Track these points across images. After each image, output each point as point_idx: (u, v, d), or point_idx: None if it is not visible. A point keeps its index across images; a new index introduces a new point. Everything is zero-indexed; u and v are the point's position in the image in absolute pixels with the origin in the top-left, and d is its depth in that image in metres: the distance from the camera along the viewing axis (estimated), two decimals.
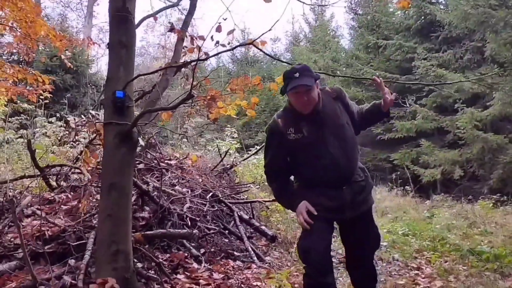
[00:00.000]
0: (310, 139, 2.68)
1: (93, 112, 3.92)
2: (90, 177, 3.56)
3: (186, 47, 3.18)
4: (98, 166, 3.70)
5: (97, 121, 3.16)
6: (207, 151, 10.00)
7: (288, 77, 2.61)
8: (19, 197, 4.29)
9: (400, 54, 15.39)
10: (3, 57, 15.42)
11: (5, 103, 9.71)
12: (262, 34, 2.96)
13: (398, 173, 14.44)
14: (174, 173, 5.40)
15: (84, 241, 3.43)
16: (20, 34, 6.95)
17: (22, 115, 11.46)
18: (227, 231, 5.16)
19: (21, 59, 15.40)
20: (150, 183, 4.34)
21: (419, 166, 13.39)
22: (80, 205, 3.99)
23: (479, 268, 4.88)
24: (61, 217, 3.98)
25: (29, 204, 4.08)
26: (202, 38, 2.83)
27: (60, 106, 14.23)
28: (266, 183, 8.35)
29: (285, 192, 2.82)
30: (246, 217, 5.57)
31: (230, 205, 5.53)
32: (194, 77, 2.83)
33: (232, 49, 2.76)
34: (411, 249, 6.15)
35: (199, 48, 2.75)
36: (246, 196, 6.73)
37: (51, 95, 11.49)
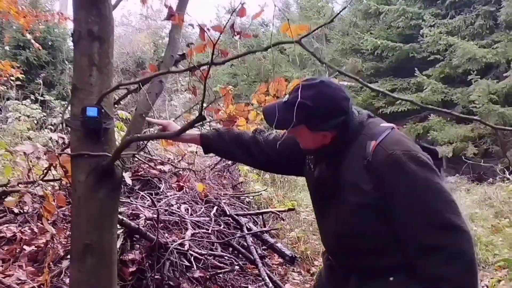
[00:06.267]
0: (316, 186, 1.74)
1: (55, 136, 2.83)
2: (54, 232, 2.54)
3: (192, 44, 2.10)
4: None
5: (61, 150, 2.12)
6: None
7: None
8: None
9: (403, 20, 14.23)
10: None
11: None
12: None
13: None
14: (169, 183, 4.40)
15: None
16: None
17: None
18: (232, 250, 4.22)
19: None
20: (140, 215, 3.31)
21: (426, 142, 12.50)
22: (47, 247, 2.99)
23: None
24: (23, 265, 2.99)
25: None
26: (218, 29, 1.77)
27: (35, 86, 12.99)
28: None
29: None
30: (256, 229, 4.64)
31: (238, 218, 4.58)
32: (206, 87, 1.79)
33: (264, 49, 1.72)
34: None
35: (214, 45, 1.70)
36: (251, 198, 5.78)
37: (22, 75, 10.34)
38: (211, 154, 2.80)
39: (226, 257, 3.94)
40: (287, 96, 1.58)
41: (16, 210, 3.55)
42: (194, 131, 2.05)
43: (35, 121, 10.49)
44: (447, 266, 1.41)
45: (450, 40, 11.72)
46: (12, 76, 7.72)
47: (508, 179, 9.61)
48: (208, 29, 1.78)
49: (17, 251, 3.09)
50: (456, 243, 1.42)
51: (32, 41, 6.35)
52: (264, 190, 5.44)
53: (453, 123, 12.44)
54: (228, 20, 1.89)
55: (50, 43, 13.86)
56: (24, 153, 2.08)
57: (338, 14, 1.85)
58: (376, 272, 1.59)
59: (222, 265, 3.81)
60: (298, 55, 19.95)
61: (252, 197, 5.76)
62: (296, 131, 1.56)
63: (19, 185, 3.38)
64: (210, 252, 3.73)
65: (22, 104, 10.69)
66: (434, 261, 1.42)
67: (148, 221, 3.33)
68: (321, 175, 1.66)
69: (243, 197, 5.67)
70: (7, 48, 14.60)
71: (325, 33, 18.10)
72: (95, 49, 2.11)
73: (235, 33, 1.91)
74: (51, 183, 2.84)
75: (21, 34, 13.57)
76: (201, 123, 1.85)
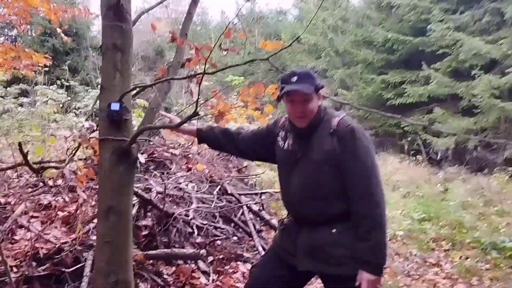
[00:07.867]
0: (286, 155, 2.38)
1: (87, 124, 3.52)
2: (85, 197, 3.24)
3: (190, 58, 2.75)
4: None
5: (91, 136, 2.79)
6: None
7: (284, 81, 2.26)
8: (12, 201, 3.99)
9: (414, 14, 14.61)
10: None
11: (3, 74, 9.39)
12: None
13: (409, 139, 14.09)
14: (179, 165, 5.07)
15: (82, 263, 3.14)
16: (11, 5, 6.49)
17: (21, 83, 11.07)
18: (234, 225, 4.90)
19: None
20: (152, 189, 4.00)
21: (431, 134, 12.96)
22: (78, 211, 3.70)
23: (505, 270, 4.62)
24: (58, 226, 3.70)
25: (23, 211, 3.77)
26: (208, 48, 2.41)
27: (61, 71, 13.79)
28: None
29: None
30: (255, 208, 5.28)
31: (239, 196, 5.23)
32: (200, 91, 2.43)
33: (246, 63, 2.35)
34: (428, 238, 5.90)
35: (206, 60, 2.33)
36: (254, 180, 6.44)
37: (50, 61, 11.09)
38: None
39: (225, 229, 4.61)
40: (294, 78, 2.21)
41: (50, 183, 4.28)
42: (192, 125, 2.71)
43: (61, 105, 11.26)
44: (373, 206, 2.10)
45: (456, 35, 12.10)
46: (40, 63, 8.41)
47: (504, 170, 10.10)
48: (201, 47, 2.41)
49: (53, 216, 3.81)
50: (379, 192, 2.13)
51: (62, 34, 7.04)
52: (262, 173, 6.09)
53: (458, 116, 12.87)
54: (218, 39, 2.52)
55: (74, 31, 14.56)
56: (65, 136, 2.77)
57: (288, 46, 2.46)
58: (323, 222, 2.24)
59: (222, 235, 4.49)
60: (313, 45, 20.47)
61: (255, 180, 6.42)
62: (313, 97, 2.21)
63: (52, 162, 4.12)
64: (211, 223, 4.42)
65: (49, 89, 11.46)
66: (365, 202, 2.11)
67: (158, 194, 4.02)
68: (291, 146, 2.35)
69: (247, 180, 6.33)
70: (33, 35, 15.42)
71: (339, 24, 18.51)
72: (118, 58, 2.77)
73: (223, 50, 2.54)
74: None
75: (48, 22, 14.38)
76: (196, 117, 2.51)
